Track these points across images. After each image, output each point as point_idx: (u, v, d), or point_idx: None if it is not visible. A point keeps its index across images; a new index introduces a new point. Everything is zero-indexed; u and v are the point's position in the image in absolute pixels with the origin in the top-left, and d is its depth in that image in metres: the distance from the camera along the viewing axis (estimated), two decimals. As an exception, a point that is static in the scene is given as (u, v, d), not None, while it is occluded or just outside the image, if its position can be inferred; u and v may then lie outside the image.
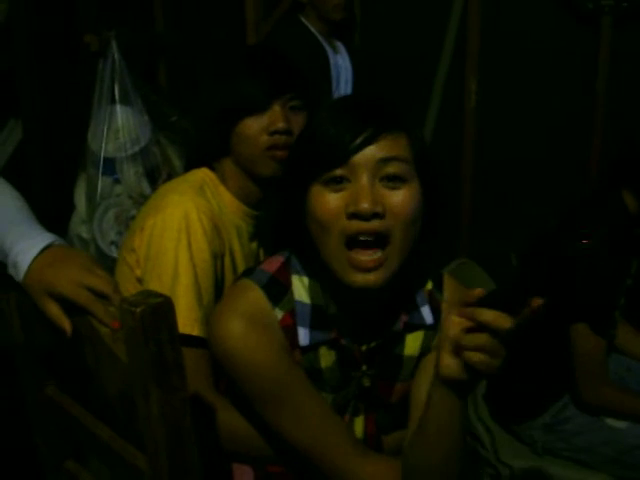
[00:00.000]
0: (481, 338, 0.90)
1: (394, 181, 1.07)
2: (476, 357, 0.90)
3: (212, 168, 1.50)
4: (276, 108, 1.42)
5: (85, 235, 2.94)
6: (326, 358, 1.19)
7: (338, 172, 1.07)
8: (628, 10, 2.69)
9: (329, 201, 1.08)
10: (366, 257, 1.06)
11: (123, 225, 2.79)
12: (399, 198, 1.07)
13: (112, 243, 2.76)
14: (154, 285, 1.32)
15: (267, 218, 1.52)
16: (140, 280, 1.40)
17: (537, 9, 2.85)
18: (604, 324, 1.80)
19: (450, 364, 0.94)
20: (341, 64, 2.95)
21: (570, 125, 2.89)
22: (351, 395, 1.24)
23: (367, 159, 1.07)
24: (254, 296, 1.16)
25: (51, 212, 2.96)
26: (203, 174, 1.49)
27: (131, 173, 2.90)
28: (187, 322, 1.31)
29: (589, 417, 1.85)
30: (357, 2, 3.10)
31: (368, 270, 1.07)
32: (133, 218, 2.76)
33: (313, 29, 2.87)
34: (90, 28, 3.10)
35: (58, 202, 3.02)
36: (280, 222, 1.20)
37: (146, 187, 2.84)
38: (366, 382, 1.23)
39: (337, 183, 1.08)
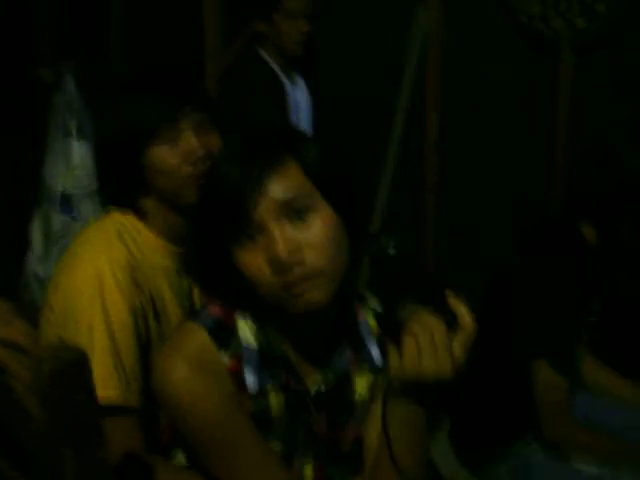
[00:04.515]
0: (417, 328, 0.96)
1: (300, 215, 1.04)
2: (407, 343, 0.97)
3: (130, 207, 1.42)
4: (187, 132, 1.35)
5: (42, 274, 2.86)
6: (275, 403, 1.16)
7: (242, 229, 1.04)
8: (587, 38, 2.69)
9: (250, 261, 1.05)
10: (300, 289, 1.03)
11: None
12: (313, 231, 1.04)
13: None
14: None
15: (192, 254, 1.43)
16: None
17: (496, 39, 2.86)
18: (565, 361, 1.76)
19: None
20: (300, 99, 2.93)
21: (532, 156, 2.89)
22: (301, 441, 1.20)
23: (267, 208, 1.03)
24: (200, 340, 1.12)
25: (6, 250, 2.89)
26: (120, 217, 1.42)
27: (89, 211, 2.83)
28: (106, 390, 1.25)
29: (557, 463, 1.80)
30: (316, 37, 3.08)
31: (306, 293, 1.04)
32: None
33: (272, 62, 2.85)
34: (45, 61, 3.05)
35: (14, 240, 2.94)
36: (210, 277, 1.16)
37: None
38: (315, 427, 1.20)
39: (250, 239, 1.04)
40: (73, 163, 2.84)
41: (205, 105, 1.40)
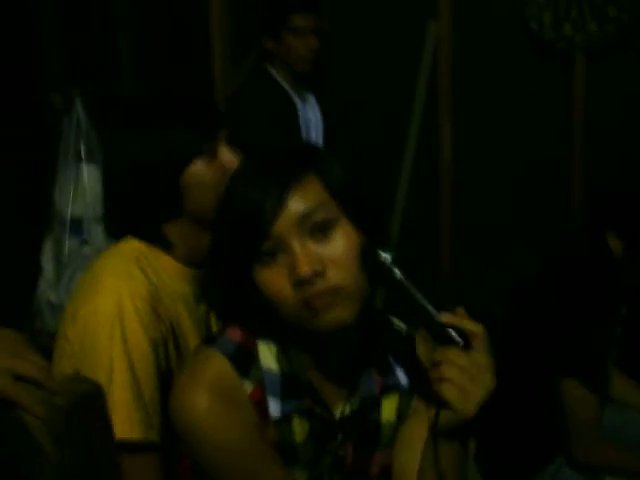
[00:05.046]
0: (445, 369, 0.92)
1: (322, 230, 1.01)
2: (440, 387, 0.93)
3: (153, 236, 1.40)
4: (223, 148, 1.38)
5: (54, 300, 2.83)
6: (300, 430, 1.11)
7: (266, 247, 1.01)
8: (600, 47, 2.66)
9: (271, 279, 1.02)
10: (321, 302, 1.00)
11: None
12: (334, 246, 1.01)
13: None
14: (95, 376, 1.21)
15: (210, 277, 1.41)
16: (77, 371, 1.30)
17: (509, 51, 2.83)
18: (596, 377, 1.71)
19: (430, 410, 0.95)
20: (311, 116, 2.90)
21: (548, 168, 2.86)
22: (326, 469, 1.15)
23: (287, 223, 1.00)
24: (221, 367, 1.07)
25: (18, 277, 2.88)
26: (136, 243, 1.39)
27: (99, 233, 2.81)
28: (126, 426, 1.20)
29: (587, 477, 1.74)
30: (326, 53, 3.06)
31: (328, 308, 1.00)
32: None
33: (281, 80, 2.82)
34: (55, 85, 3.05)
35: (25, 266, 2.92)
36: (230, 300, 1.12)
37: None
38: (342, 452, 1.15)
39: (271, 257, 1.02)
40: (83, 187, 2.82)
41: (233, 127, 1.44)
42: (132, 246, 1.39)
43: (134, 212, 1.39)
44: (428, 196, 3.02)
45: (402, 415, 1.18)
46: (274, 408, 1.08)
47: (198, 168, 1.36)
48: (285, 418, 1.09)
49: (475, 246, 3.00)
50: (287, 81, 2.82)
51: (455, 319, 0.95)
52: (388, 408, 1.18)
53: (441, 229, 3.04)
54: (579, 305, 1.70)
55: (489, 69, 2.87)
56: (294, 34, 2.75)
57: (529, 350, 1.77)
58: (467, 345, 0.93)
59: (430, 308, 0.96)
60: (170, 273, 1.39)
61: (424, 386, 1.13)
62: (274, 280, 1.01)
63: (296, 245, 1.00)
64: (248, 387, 1.08)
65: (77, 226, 2.79)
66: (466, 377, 0.92)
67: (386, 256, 0.98)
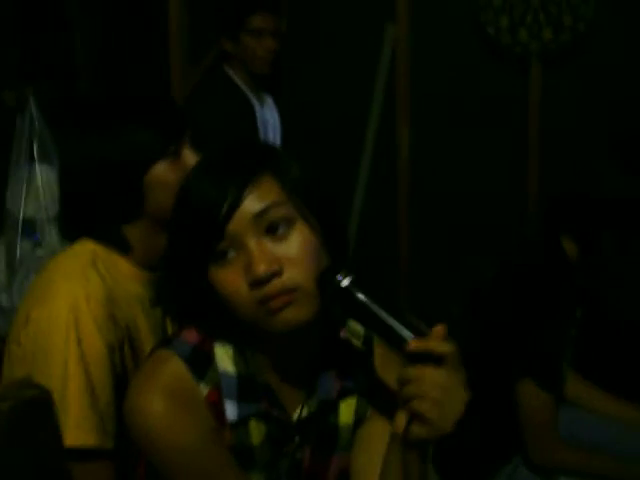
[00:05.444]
0: (422, 387, 0.90)
1: (279, 229, 1.00)
2: (419, 405, 0.90)
3: (111, 238, 1.37)
4: (186, 149, 1.37)
5: (5, 303, 2.77)
6: (257, 433, 1.10)
7: (221, 247, 1.00)
8: (556, 53, 2.70)
9: (227, 280, 1.00)
10: (278, 302, 0.99)
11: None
12: (291, 245, 1.00)
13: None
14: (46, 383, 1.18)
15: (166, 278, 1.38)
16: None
17: (466, 54, 2.86)
18: (551, 379, 1.72)
19: (402, 424, 0.93)
20: (268, 117, 2.90)
21: (504, 171, 2.89)
22: (283, 472, 1.14)
23: (243, 222, 0.99)
24: (176, 370, 1.06)
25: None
26: (92, 245, 1.36)
27: (53, 235, 2.76)
28: (80, 432, 1.17)
29: (542, 478, 1.75)
30: (284, 55, 3.06)
31: (285, 308, 0.99)
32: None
33: (239, 82, 2.81)
34: (8, 84, 2.98)
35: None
36: (185, 301, 1.09)
37: (69, 250, 2.69)
38: (299, 455, 1.14)
39: (225, 256, 1.00)
40: (36, 188, 2.76)
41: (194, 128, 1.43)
42: (88, 248, 1.36)
43: (93, 213, 1.36)
44: (385, 197, 3.03)
45: (360, 418, 1.18)
46: (231, 411, 1.07)
47: (161, 169, 1.34)
48: (242, 421, 1.08)
49: (432, 246, 3.02)
50: (245, 82, 2.82)
51: (426, 344, 0.92)
52: (346, 411, 1.17)
53: (398, 229, 3.05)
54: (534, 307, 1.70)
55: (446, 72, 2.89)
56: (252, 35, 2.75)
57: (486, 351, 1.77)
58: (439, 361, 0.91)
59: (400, 330, 0.94)
60: (127, 276, 1.36)
61: (380, 395, 1.16)
62: (230, 280, 0.99)
63: (252, 244, 0.98)
64: (204, 389, 1.06)
65: (30, 227, 2.74)
66: (444, 394, 0.91)
67: (346, 281, 0.97)
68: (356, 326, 1.20)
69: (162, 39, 3.13)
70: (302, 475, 1.16)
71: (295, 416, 1.12)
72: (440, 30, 2.88)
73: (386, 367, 1.19)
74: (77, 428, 1.15)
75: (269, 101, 2.93)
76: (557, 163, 2.72)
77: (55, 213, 2.72)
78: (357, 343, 1.19)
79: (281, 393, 1.11)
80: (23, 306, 1.33)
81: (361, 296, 0.96)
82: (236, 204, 0.98)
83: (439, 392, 0.90)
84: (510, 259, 1.88)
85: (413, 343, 0.92)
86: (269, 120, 2.89)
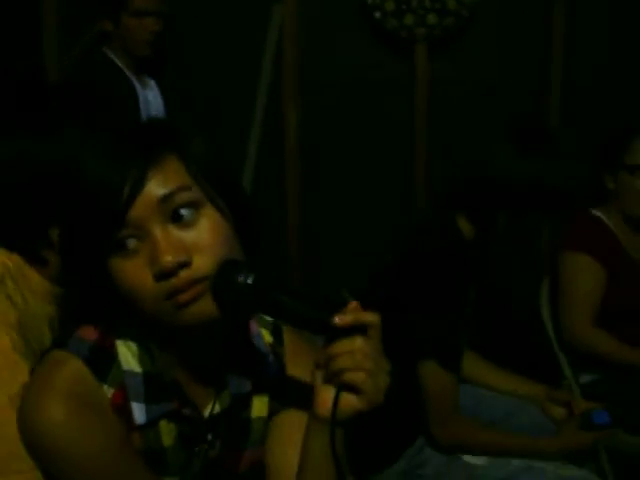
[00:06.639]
0: (354, 357, 0.88)
1: (185, 215, 0.92)
2: (355, 376, 0.88)
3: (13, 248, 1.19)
4: None
5: None
6: (167, 434, 1.03)
7: (122, 235, 0.90)
8: (441, 37, 2.74)
9: (128, 272, 0.91)
10: (187, 296, 0.90)
11: None
12: (199, 231, 0.92)
13: None
14: None
15: (62, 271, 1.18)
16: None
17: (353, 38, 2.85)
18: (453, 358, 1.73)
19: (329, 400, 0.91)
20: (151, 100, 2.80)
21: (392, 156, 2.90)
22: (197, 472, 1.08)
23: (146, 208, 0.90)
24: (75, 371, 0.95)
25: None
26: (3, 258, 1.17)
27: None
28: (5, 475, 1.01)
29: (445, 456, 1.78)
30: (168, 35, 2.95)
31: (194, 301, 0.91)
32: None
33: (120, 63, 2.70)
34: None
35: None
36: (82, 296, 1.00)
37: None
38: (212, 453, 1.08)
39: (127, 246, 0.91)
40: None
41: None
42: None
43: (11, 219, 1.17)
44: (274, 183, 2.99)
45: (273, 411, 1.14)
46: (138, 413, 0.98)
47: None
48: (151, 423, 1.00)
49: (322, 232, 3.01)
50: (126, 64, 2.72)
51: (352, 317, 0.88)
52: (259, 404, 1.13)
53: (288, 214, 3.02)
54: (432, 289, 1.71)
55: (334, 55, 2.88)
56: (134, 15, 2.64)
57: (385, 334, 1.77)
58: (363, 332, 0.89)
59: (317, 313, 0.90)
60: (38, 294, 1.19)
61: (292, 385, 1.13)
62: (132, 272, 0.90)
63: (157, 232, 0.90)
64: (108, 391, 0.97)
65: None
66: (375, 364, 0.88)
67: (250, 279, 0.90)
68: (264, 316, 1.16)
69: (34, 19, 2.95)
70: (216, 473, 1.10)
71: (206, 413, 1.06)
72: (327, 13, 2.86)
73: (297, 355, 1.15)
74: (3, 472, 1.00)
75: (151, 83, 2.83)
76: (443, 147, 2.77)
77: None
78: (266, 334, 1.15)
79: (190, 390, 1.04)
80: None
81: (269, 291, 0.90)
82: (138, 188, 0.89)
83: (371, 362, 0.88)
84: (404, 242, 1.88)
85: (339, 318, 0.88)
86: (152, 103, 2.79)
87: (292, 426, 1.10)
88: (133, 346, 1.00)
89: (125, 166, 0.90)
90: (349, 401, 0.90)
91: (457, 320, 1.76)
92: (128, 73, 2.70)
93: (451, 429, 1.74)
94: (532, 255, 2.83)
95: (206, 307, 0.91)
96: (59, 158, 1.10)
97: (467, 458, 1.78)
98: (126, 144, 0.94)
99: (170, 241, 0.90)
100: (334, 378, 0.90)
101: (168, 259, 0.88)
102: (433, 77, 2.80)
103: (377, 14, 2.75)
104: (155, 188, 0.90)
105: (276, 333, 1.16)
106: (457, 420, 1.75)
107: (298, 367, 1.14)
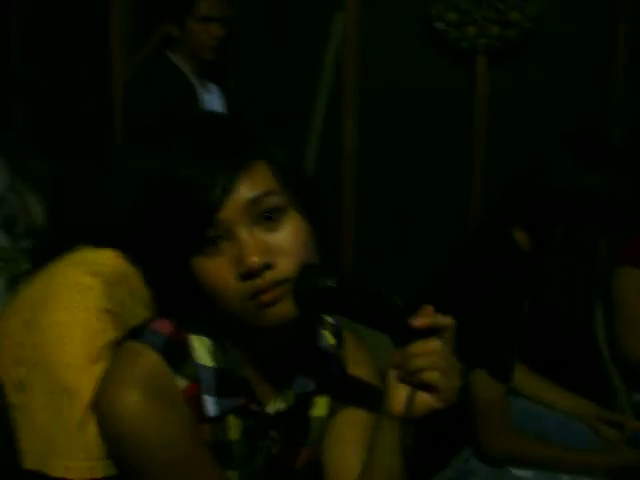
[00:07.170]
0: (431, 358, 0.92)
1: (271, 219, 0.95)
2: (431, 375, 0.92)
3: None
4: None
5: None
6: (234, 428, 1.06)
7: (210, 234, 0.94)
8: (502, 49, 2.73)
9: (214, 270, 0.94)
10: (270, 296, 0.94)
11: (-24, 282, 2.50)
12: (283, 235, 0.96)
13: (-37, 302, 2.46)
14: (40, 407, 1.06)
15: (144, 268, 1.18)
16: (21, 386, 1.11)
17: (414, 47, 2.87)
18: (504, 369, 1.73)
19: (401, 399, 0.95)
20: (213, 105, 2.84)
21: (450, 163, 2.90)
22: (259, 467, 1.11)
23: (235, 210, 0.94)
24: (151, 362, 0.99)
25: None
26: (125, 263, 1.16)
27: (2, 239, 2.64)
28: (86, 461, 1.04)
29: (494, 468, 1.77)
30: (232, 42, 3.01)
31: (276, 302, 0.94)
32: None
33: (184, 67, 2.75)
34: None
35: None
36: (164, 294, 1.04)
37: (3, 239, 2.57)
38: (275, 449, 1.11)
39: (214, 246, 0.94)
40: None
41: None
42: (118, 262, 1.16)
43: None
44: (330, 187, 3.01)
45: (333, 411, 1.16)
46: (210, 406, 1.01)
47: None
48: (221, 416, 1.03)
49: (377, 239, 3.02)
50: (190, 69, 2.76)
51: (429, 320, 0.93)
52: (320, 404, 1.15)
53: (344, 220, 3.03)
54: (486, 299, 1.70)
55: (395, 63, 2.90)
56: (199, 21, 2.68)
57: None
58: (437, 334, 0.94)
59: (393, 314, 0.94)
60: (136, 298, 1.18)
61: (353, 385, 1.16)
62: (217, 271, 0.94)
63: (244, 234, 0.93)
64: (181, 383, 1.00)
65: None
66: (449, 364, 0.93)
67: (329, 282, 0.94)
68: (326, 318, 1.18)
69: (103, 22, 3.04)
70: (275, 469, 1.12)
71: (271, 410, 1.08)
72: (388, 21, 2.88)
73: (357, 358, 1.18)
74: (80, 462, 1.03)
75: (214, 88, 2.88)
76: (502, 158, 2.76)
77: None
78: (329, 336, 1.17)
79: (259, 388, 1.07)
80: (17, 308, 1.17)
81: (349, 294, 0.94)
82: (228, 190, 0.93)
83: (446, 362, 0.92)
84: (460, 251, 1.88)
85: (417, 320, 0.92)
86: (214, 107, 2.83)
87: (351, 426, 1.14)
88: (207, 341, 1.03)
89: (217, 171, 0.94)
90: (424, 399, 0.94)
91: (509, 331, 1.76)
92: (191, 77, 2.75)
93: (500, 440, 1.72)
94: (588, 269, 2.79)
95: (287, 308, 0.94)
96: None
97: (515, 471, 1.77)
98: (215, 147, 0.97)
99: (256, 243, 0.93)
100: (410, 377, 0.94)
101: (254, 260, 0.91)
102: (493, 88, 2.80)
103: (439, 24, 2.76)
104: (244, 192, 0.94)
105: (337, 336, 1.18)
106: (506, 431, 1.74)
107: (358, 369, 1.18)
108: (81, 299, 1.10)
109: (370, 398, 1.14)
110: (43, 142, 2.90)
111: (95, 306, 1.09)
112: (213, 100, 2.84)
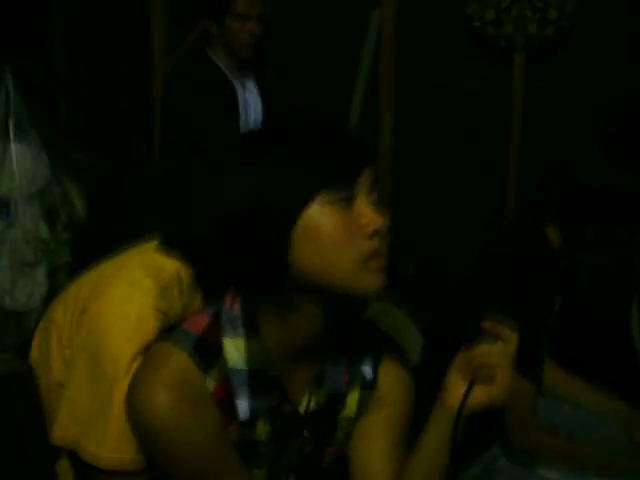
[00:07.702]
0: (498, 357, 1.06)
1: (376, 203, 1.01)
2: (500, 374, 1.06)
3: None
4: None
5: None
6: (263, 428, 1.07)
7: (348, 191, 0.98)
8: (540, 47, 2.71)
9: (341, 221, 0.97)
10: (384, 261, 1.00)
11: (18, 272, 2.57)
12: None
13: (5, 292, 2.53)
14: (81, 389, 1.11)
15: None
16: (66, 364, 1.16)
17: (451, 47, 2.85)
18: (533, 367, 1.72)
19: (459, 395, 1.05)
20: (250, 101, 2.87)
21: (485, 161, 2.89)
22: (288, 466, 1.13)
23: (368, 179, 1.00)
24: (180, 363, 1.01)
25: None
26: (179, 268, 1.18)
27: (27, 216, 2.70)
28: (116, 453, 1.08)
29: (520, 468, 1.76)
30: (268, 40, 3.03)
31: (384, 270, 1.00)
32: (30, 265, 2.55)
33: (221, 63, 2.78)
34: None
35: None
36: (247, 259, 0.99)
37: (44, 231, 2.64)
38: (307, 449, 1.13)
39: (346, 201, 0.98)
40: (11, 166, 2.70)
41: None
42: (173, 267, 1.18)
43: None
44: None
45: (361, 409, 1.16)
46: (243, 409, 1.03)
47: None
48: (251, 417, 1.04)
49: (412, 236, 3.02)
50: (227, 66, 2.79)
51: (497, 325, 1.07)
52: (351, 402, 1.16)
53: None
54: (517, 296, 1.70)
55: (431, 60, 2.90)
56: (237, 19, 2.72)
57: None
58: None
59: (472, 318, 1.08)
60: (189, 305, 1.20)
61: (385, 383, 1.18)
62: (345, 226, 0.96)
63: (370, 199, 1.00)
64: (211, 384, 1.02)
65: (3, 208, 2.68)
66: (508, 365, 1.07)
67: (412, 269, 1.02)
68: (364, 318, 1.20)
69: (143, 21, 3.09)
70: (304, 468, 1.14)
71: (302, 409, 1.10)
72: (425, 19, 2.88)
73: (390, 357, 1.19)
74: (112, 450, 1.07)
75: (251, 85, 2.90)
76: (537, 157, 2.74)
77: (29, 193, 2.67)
78: (364, 332, 1.19)
79: (290, 387, 1.08)
80: (73, 295, 1.23)
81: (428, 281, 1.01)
82: (364, 166, 1.00)
83: (507, 363, 1.06)
84: (493, 248, 1.88)
85: (489, 324, 1.06)
86: (251, 103, 2.86)
87: (380, 425, 1.16)
88: (240, 342, 1.04)
89: (357, 149, 1.02)
90: (479, 395, 1.05)
91: (540, 329, 1.76)
92: (229, 74, 2.78)
93: (529, 439, 1.72)
94: (623, 267, 2.76)
95: (385, 282, 1.00)
96: None
97: (542, 471, 1.76)
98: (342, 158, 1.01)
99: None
100: (474, 373, 1.05)
101: (385, 220, 0.98)
102: (530, 86, 2.78)
103: (476, 22, 2.75)
104: (371, 174, 1.01)
105: (372, 333, 1.20)
106: (535, 429, 1.74)
107: (390, 369, 1.19)
108: (138, 297, 1.13)
109: (400, 399, 1.17)
110: (85, 138, 2.97)
111: (150, 305, 1.12)
112: (250, 97, 2.87)
